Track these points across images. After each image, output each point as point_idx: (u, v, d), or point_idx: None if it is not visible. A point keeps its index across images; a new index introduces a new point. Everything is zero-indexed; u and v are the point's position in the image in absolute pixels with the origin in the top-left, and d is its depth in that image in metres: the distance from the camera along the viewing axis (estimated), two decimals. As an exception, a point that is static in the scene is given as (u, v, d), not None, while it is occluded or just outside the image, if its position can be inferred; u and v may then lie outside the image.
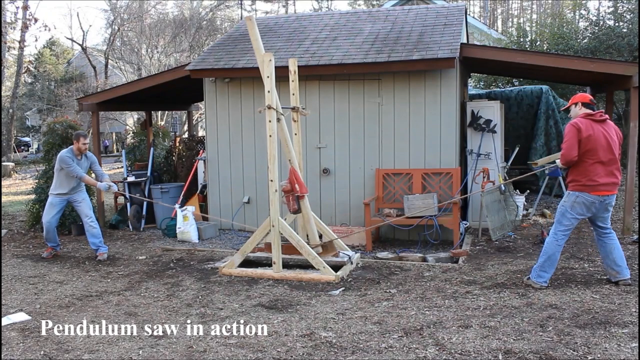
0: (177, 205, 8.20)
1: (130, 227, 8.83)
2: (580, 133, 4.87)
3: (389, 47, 7.54)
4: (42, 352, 4.09)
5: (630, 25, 12.50)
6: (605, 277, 5.30)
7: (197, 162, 9.43)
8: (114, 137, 30.21)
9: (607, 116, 5.07)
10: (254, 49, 5.88)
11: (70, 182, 6.89)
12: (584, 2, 17.59)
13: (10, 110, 22.24)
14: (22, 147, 30.31)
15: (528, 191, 8.97)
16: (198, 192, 9.10)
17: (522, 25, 20.74)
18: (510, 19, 37.53)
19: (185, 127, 20.24)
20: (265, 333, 4.29)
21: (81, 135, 6.94)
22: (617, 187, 5.06)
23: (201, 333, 4.34)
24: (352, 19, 9.23)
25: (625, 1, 13.17)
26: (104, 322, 4.66)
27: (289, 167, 6.15)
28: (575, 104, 5.11)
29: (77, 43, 26.72)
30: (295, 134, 6.50)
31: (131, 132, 19.06)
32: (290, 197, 5.92)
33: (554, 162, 5.50)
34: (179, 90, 10.04)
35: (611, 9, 13.74)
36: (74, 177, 6.82)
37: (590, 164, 4.90)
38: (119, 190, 7.75)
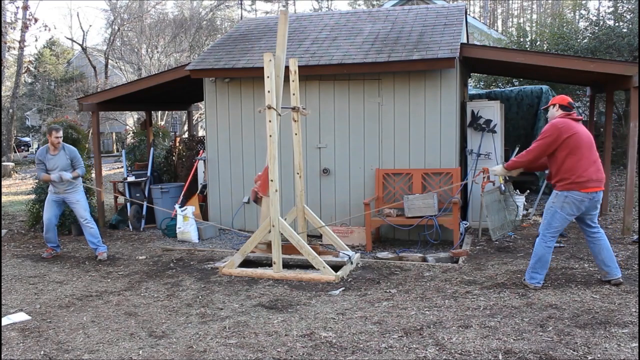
0: (177, 205, 8.20)
1: (130, 227, 8.83)
2: (564, 133, 4.92)
3: (389, 47, 7.54)
4: (42, 352, 4.09)
5: (630, 25, 12.50)
6: (603, 279, 5.31)
7: (197, 162, 9.43)
8: (114, 137, 30.19)
9: (581, 117, 5.15)
10: (278, 45, 5.89)
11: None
12: (584, 2, 17.59)
13: (10, 110, 22.23)
14: (22, 147, 30.26)
15: (528, 191, 8.97)
16: (198, 192, 9.11)
17: (522, 25, 20.74)
18: (510, 19, 37.54)
19: (185, 127, 20.24)
20: (265, 333, 4.29)
21: (53, 129, 6.89)
22: (603, 184, 5.09)
23: (201, 333, 4.34)
24: (352, 19, 9.23)
25: (625, 1, 13.17)
26: (104, 322, 4.66)
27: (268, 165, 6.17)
28: (554, 105, 5.16)
29: (77, 43, 26.70)
30: (296, 134, 6.50)
31: (131, 132, 19.06)
32: (253, 189, 6.31)
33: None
34: (179, 90, 10.04)
35: (611, 9, 13.75)
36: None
37: (577, 160, 4.91)
38: (83, 179, 7.37)
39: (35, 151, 28.15)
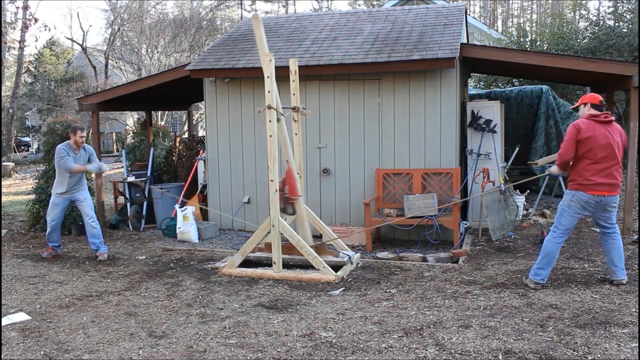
0: (177, 205, 8.20)
1: (130, 227, 8.83)
2: (580, 134, 4.90)
3: (389, 47, 7.54)
4: (42, 352, 4.09)
5: (630, 25, 12.50)
6: (605, 277, 5.31)
7: (197, 162, 9.43)
8: (114, 137, 30.19)
9: (612, 117, 5.05)
10: (259, 48, 5.89)
11: (69, 179, 6.90)
12: (584, 2, 17.60)
13: (10, 110, 22.22)
14: (22, 147, 30.25)
15: (528, 191, 8.98)
16: (198, 192, 9.11)
17: (522, 25, 20.73)
18: (510, 19, 37.53)
19: (185, 127, 20.24)
20: (265, 333, 4.29)
21: (78, 128, 6.94)
22: (618, 189, 5.05)
23: (201, 333, 4.34)
24: (352, 19, 9.23)
25: (625, 1, 13.17)
26: (104, 322, 4.66)
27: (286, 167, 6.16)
28: (585, 104, 5.09)
29: (77, 43, 26.71)
30: (296, 134, 6.50)
31: (131, 132, 19.06)
32: (281, 196, 6.02)
33: (554, 162, 5.51)
34: (179, 90, 10.05)
35: (611, 9, 13.75)
36: (66, 170, 6.79)
37: (588, 163, 4.92)
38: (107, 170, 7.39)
39: (35, 152, 28.16)
